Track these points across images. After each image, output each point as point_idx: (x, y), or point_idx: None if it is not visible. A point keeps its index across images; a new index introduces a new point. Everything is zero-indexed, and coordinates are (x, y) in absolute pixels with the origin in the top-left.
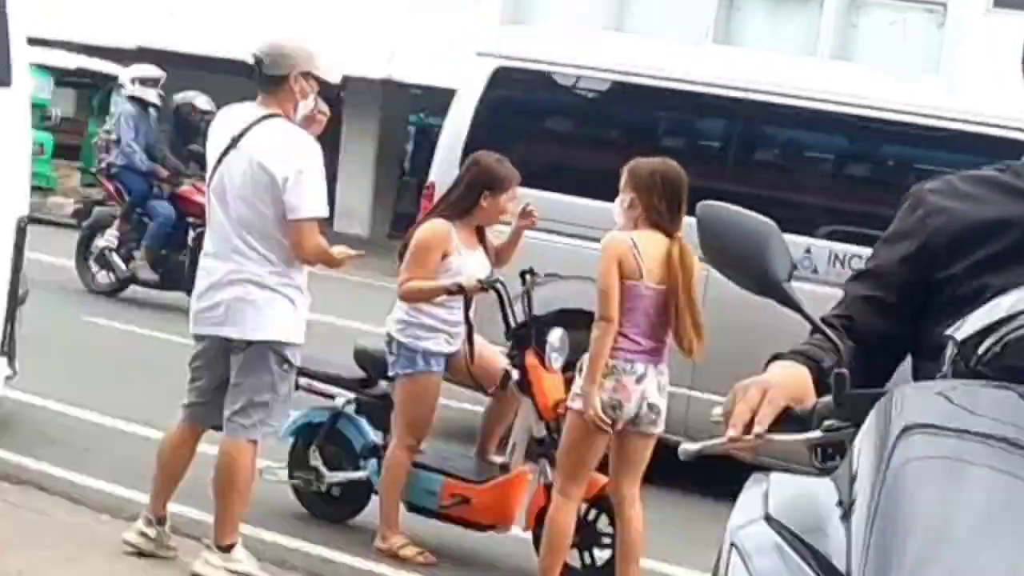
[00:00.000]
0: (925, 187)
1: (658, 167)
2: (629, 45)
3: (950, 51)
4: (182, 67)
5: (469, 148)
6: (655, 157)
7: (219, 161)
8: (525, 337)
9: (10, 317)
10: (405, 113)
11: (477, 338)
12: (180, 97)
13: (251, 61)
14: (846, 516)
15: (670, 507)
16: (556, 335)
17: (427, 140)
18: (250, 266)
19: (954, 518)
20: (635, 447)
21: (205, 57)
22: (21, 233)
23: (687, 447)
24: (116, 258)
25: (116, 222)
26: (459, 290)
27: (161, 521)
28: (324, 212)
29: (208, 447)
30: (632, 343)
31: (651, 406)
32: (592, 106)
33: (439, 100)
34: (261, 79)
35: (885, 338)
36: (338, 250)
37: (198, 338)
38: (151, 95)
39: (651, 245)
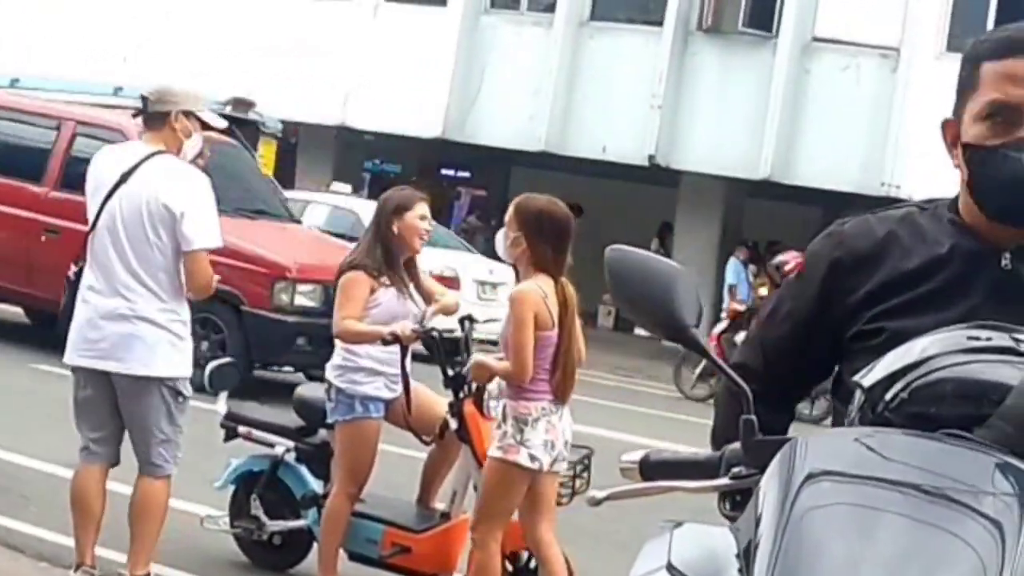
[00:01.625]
0: (843, 227)
1: (545, 207)
2: None
3: (902, 95)
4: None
5: None
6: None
7: (108, 197)
8: (463, 385)
9: None
10: (359, 159)
11: (416, 385)
12: None
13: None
14: (747, 565)
15: (611, 557)
16: (494, 383)
17: (381, 187)
18: (139, 302)
19: (858, 566)
20: (550, 488)
21: None
22: None
23: (595, 494)
24: None
25: None
26: (394, 340)
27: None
28: (217, 243)
29: (121, 486)
30: (548, 385)
31: (566, 443)
32: None
33: (393, 146)
34: (147, 117)
35: (793, 382)
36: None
37: (78, 371)
38: None
39: (549, 291)
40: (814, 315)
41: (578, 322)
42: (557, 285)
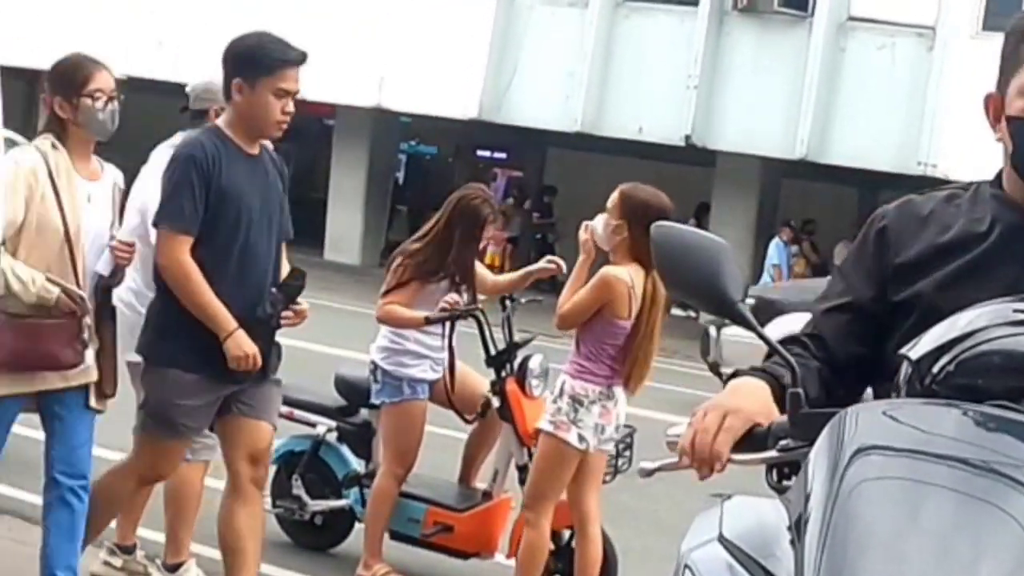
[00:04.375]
0: (889, 208)
1: (652, 199)
2: None
3: (937, 75)
4: (172, 97)
5: None
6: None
7: None
8: (506, 364)
9: None
10: (395, 141)
11: (459, 364)
12: None
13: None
14: (798, 537)
15: (652, 536)
16: (536, 361)
17: (417, 168)
18: (122, 290)
19: (908, 539)
20: (599, 464)
21: None
22: None
23: (645, 465)
24: None
25: None
26: (442, 313)
27: (127, 550)
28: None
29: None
30: (611, 371)
31: (618, 427)
32: None
33: (430, 128)
34: (191, 114)
35: (854, 359)
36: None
37: None
38: None
39: (639, 282)
40: (867, 287)
41: (659, 322)
42: (647, 276)
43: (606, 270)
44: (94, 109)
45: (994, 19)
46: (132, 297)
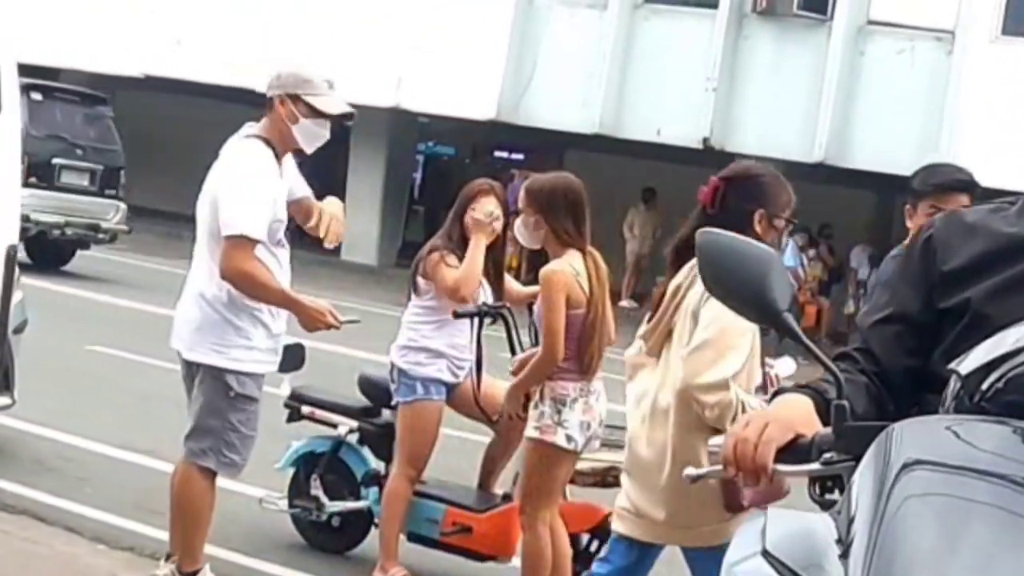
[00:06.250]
0: (936, 221)
1: (558, 184)
2: None
3: (956, 79)
4: (190, 96)
5: None
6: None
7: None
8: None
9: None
10: (413, 141)
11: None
12: None
13: (259, 90)
14: (844, 552)
15: None
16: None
17: (435, 169)
18: (200, 279)
19: (954, 557)
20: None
21: (212, 86)
22: (11, 262)
23: (691, 471)
24: None
25: None
26: (467, 312)
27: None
28: (251, 231)
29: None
30: (584, 366)
31: (600, 422)
32: None
33: (447, 128)
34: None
35: (904, 371)
36: (319, 304)
37: None
38: None
39: (580, 267)
40: (913, 297)
41: (608, 301)
42: (586, 258)
43: (543, 271)
44: None
45: (1013, 24)
46: (207, 290)
